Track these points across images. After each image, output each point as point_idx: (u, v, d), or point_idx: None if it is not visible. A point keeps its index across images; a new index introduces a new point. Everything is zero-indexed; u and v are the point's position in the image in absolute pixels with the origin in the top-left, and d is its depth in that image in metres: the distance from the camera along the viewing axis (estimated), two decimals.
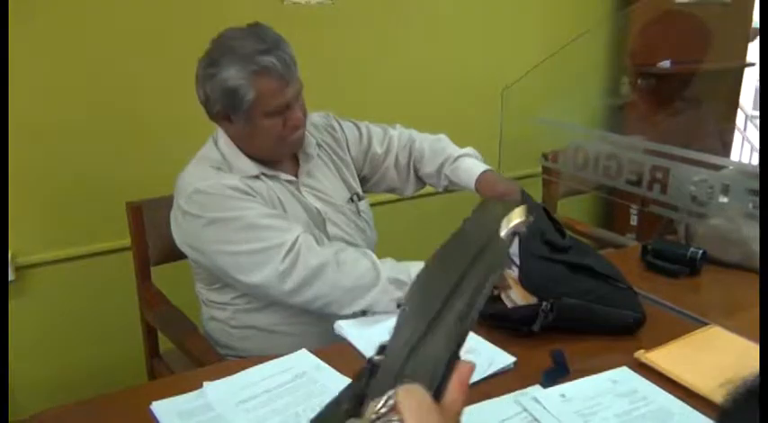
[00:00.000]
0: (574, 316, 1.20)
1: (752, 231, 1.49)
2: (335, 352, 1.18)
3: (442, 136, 1.59)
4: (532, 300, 1.22)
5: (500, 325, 1.23)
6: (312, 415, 0.51)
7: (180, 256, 1.44)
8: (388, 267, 1.28)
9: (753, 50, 3.06)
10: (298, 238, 1.26)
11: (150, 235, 1.58)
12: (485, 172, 1.45)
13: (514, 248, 1.30)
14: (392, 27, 2.34)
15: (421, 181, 1.60)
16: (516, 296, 1.24)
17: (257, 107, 1.27)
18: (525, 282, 1.23)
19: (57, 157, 1.86)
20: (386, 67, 2.35)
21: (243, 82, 1.24)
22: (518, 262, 1.26)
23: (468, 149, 1.54)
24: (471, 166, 1.48)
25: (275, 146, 1.34)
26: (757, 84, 2.26)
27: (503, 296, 1.27)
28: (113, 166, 1.93)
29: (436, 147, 1.55)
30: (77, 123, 1.87)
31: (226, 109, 1.29)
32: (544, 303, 1.18)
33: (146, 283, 1.60)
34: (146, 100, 1.94)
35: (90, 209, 1.92)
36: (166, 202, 1.41)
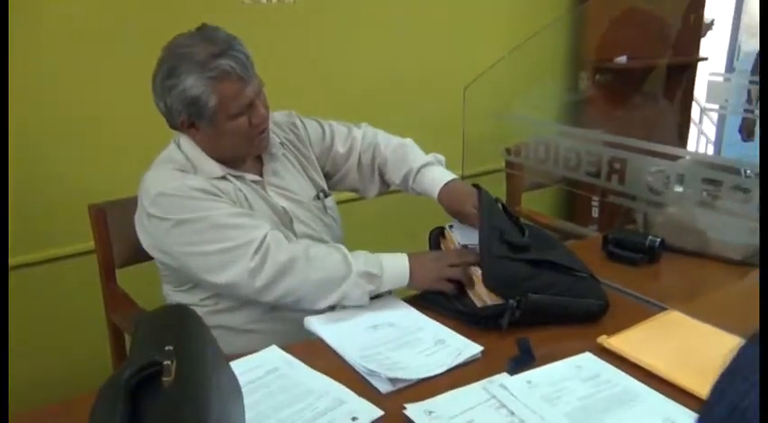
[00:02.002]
0: (540, 310, 1.23)
1: (707, 219, 1.55)
2: (306, 348, 1.19)
3: (407, 141, 1.58)
4: (500, 299, 1.24)
5: (469, 320, 1.25)
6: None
7: (145, 257, 1.42)
8: (361, 261, 1.28)
9: (705, 45, 3.15)
10: (266, 235, 1.27)
11: (114, 237, 1.57)
12: (445, 186, 1.46)
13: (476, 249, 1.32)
14: (353, 25, 2.35)
15: (386, 184, 1.60)
16: (484, 294, 1.26)
17: (221, 111, 1.27)
18: (488, 282, 1.25)
19: (15, 162, 1.82)
20: (347, 65, 2.36)
21: (203, 89, 1.24)
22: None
23: (430, 157, 1.53)
24: (432, 179, 1.48)
25: (243, 145, 1.34)
26: (710, 77, 2.34)
27: (471, 294, 1.30)
28: (74, 168, 1.90)
29: (399, 154, 1.54)
30: (35, 126, 1.84)
31: (190, 118, 1.29)
32: (510, 301, 1.21)
33: (111, 286, 1.59)
34: (105, 100, 1.92)
35: (51, 213, 1.89)
36: (130, 204, 1.40)
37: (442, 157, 1.56)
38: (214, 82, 1.24)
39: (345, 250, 1.31)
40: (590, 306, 1.26)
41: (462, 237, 1.42)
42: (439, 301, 1.31)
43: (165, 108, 1.30)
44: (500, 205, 1.41)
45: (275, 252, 1.25)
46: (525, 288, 1.22)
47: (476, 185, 1.43)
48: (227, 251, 1.25)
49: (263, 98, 1.34)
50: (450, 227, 1.46)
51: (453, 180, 1.48)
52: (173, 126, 1.34)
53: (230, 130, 1.30)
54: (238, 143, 1.33)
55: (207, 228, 1.26)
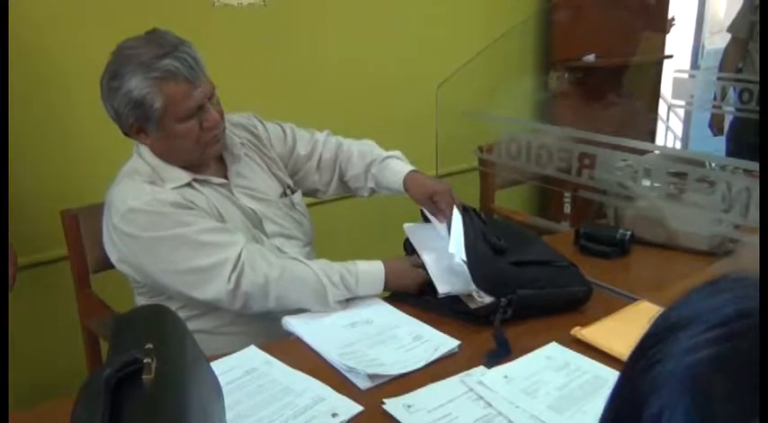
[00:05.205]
0: (530, 305, 1.26)
1: (674, 212, 1.59)
2: (284, 347, 1.19)
3: (369, 141, 1.61)
4: (491, 297, 1.27)
5: (460, 317, 1.27)
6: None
7: None
8: (338, 290, 1.29)
9: (670, 43, 3.22)
10: (241, 253, 1.26)
11: (88, 242, 1.55)
12: (412, 172, 1.48)
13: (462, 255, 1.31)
14: (325, 27, 2.35)
15: (344, 185, 1.61)
16: (475, 295, 1.28)
17: (168, 114, 1.24)
18: (477, 281, 1.27)
19: None
20: (319, 67, 2.37)
21: (148, 90, 1.22)
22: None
23: (395, 152, 1.56)
24: (398, 167, 1.50)
25: (195, 149, 1.31)
26: (676, 75, 2.40)
27: (462, 297, 1.30)
28: (42, 173, 1.88)
29: (364, 149, 1.57)
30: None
31: (138, 121, 1.26)
32: (502, 300, 1.23)
33: (85, 291, 1.57)
34: (75, 101, 1.90)
35: (20, 220, 1.86)
36: (102, 209, 1.39)
37: (403, 156, 1.58)
38: (159, 82, 1.21)
39: (320, 271, 1.30)
40: (576, 293, 1.31)
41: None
42: (425, 297, 1.33)
43: (114, 112, 1.27)
44: (472, 212, 1.43)
45: (250, 273, 1.26)
46: (513, 285, 1.25)
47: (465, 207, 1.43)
48: (204, 270, 1.25)
49: (215, 102, 1.31)
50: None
51: (417, 170, 1.50)
52: (125, 132, 1.31)
53: (180, 133, 1.27)
54: (190, 147, 1.30)
55: (181, 245, 1.25)
